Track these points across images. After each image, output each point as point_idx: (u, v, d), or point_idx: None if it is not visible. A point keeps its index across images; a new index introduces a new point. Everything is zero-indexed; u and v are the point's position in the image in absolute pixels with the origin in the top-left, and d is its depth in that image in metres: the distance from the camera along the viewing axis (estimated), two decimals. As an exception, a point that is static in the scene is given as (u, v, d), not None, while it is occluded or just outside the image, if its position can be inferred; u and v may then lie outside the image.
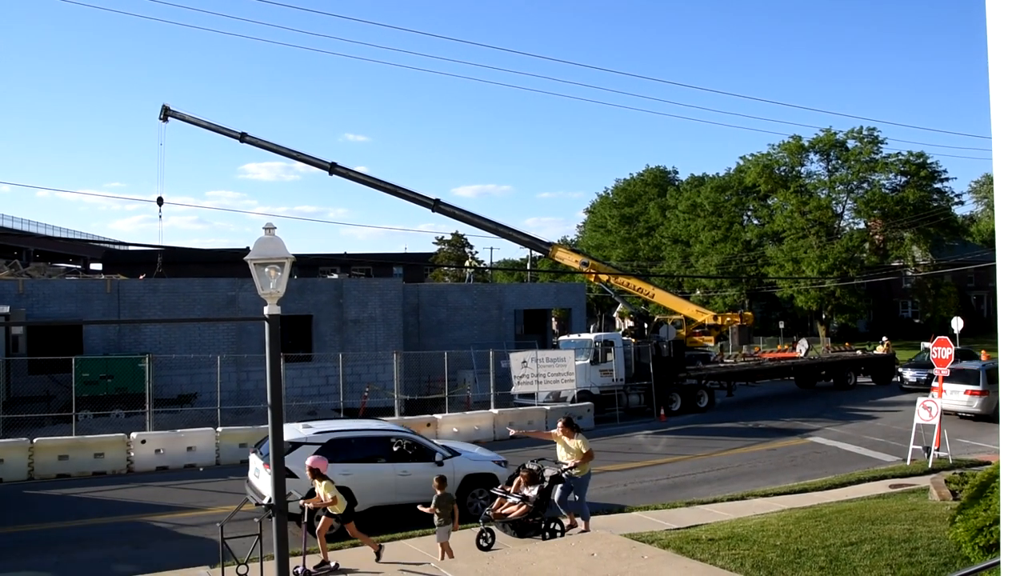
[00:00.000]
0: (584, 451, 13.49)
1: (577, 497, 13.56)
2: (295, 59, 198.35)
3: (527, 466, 13.56)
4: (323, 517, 11.79)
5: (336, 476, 13.02)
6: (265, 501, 14.43)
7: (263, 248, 8.34)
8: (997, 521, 7.63)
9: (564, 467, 13.36)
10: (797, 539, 11.06)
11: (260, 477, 14.27)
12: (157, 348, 28.20)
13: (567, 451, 13.70)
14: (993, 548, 7.51)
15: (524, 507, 12.77)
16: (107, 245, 67.50)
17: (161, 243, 36.56)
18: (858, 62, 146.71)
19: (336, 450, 14.52)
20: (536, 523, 12.87)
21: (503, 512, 12.96)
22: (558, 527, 12.94)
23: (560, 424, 14.08)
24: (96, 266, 67.13)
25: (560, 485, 13.29)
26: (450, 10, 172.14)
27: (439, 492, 12.10)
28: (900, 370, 37.48)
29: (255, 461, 14.97)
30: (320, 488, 11.76)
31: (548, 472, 13.24)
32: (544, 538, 12.69)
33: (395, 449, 15.48)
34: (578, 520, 13.50)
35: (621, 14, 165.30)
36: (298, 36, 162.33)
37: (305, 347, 31.45)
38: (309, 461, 12.09)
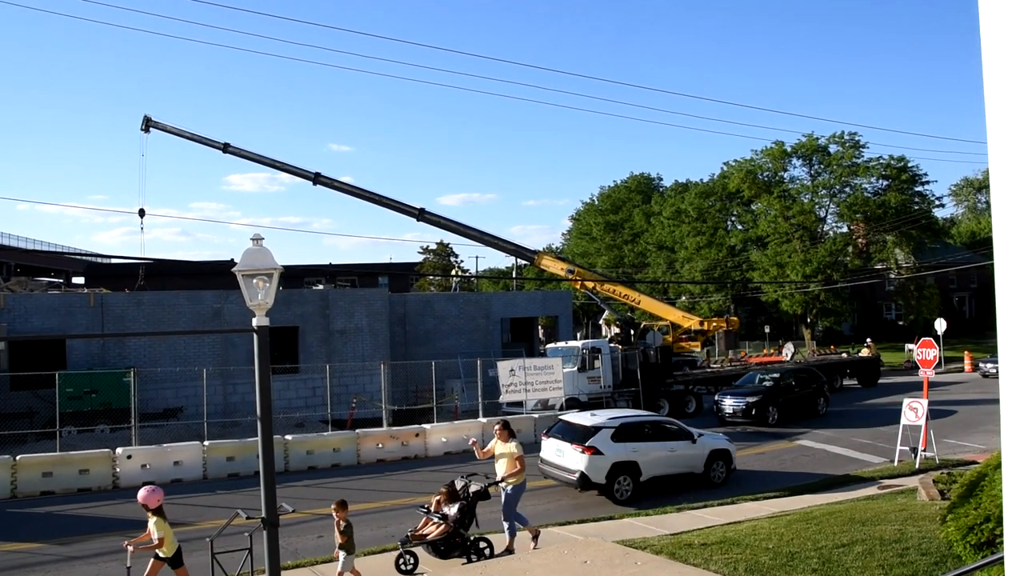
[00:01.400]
0: (516, 456, 12.95)
1: (507, 509, 12.99)
2: (279, 69, 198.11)
3: (455, 482, 12.82)
4: (152, 560, 10.44)
5: (626, 453, 17.56)
6: (575, 477, 17.30)
7: (251, 259, 8.30)
8: (988, 519, 7.69)
9: (490, 481, 12.74)
10: (789, 542, 11.07)
11: (565, 455, 17.82)
12: (142, 362, 28.00)
13: (503, 458, 13.18)
14: (984, 546, 7.54)
15: (444, 526, 11.99)
16: (90, 258, 67.00)
17: (144, 256, 36.31)
18: (839, 67, 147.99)
19: (625, 433, 18.04)
20: (460, 542, 12.14)
21: (422, 533, 12.22)
22: (485, 545, 12.38)
23: (497, 428, 13.45)
24: (79, 280, 66.63)
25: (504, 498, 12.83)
26: (433, 19, 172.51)
27: (343, 522, 11.00)
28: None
29: (553, 443, 18.43)
30: (151, 524, 10.41)
31: (474, 487, 12.49)
32: (469, 559, 11.99)
33: (665, 430, 19.03)
34: (528, 531, 13.03)
35: (604, 22, 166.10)
36: (282, 46, 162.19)
37: (291, 359, 31.31)
38: (141, 495, 10.70)
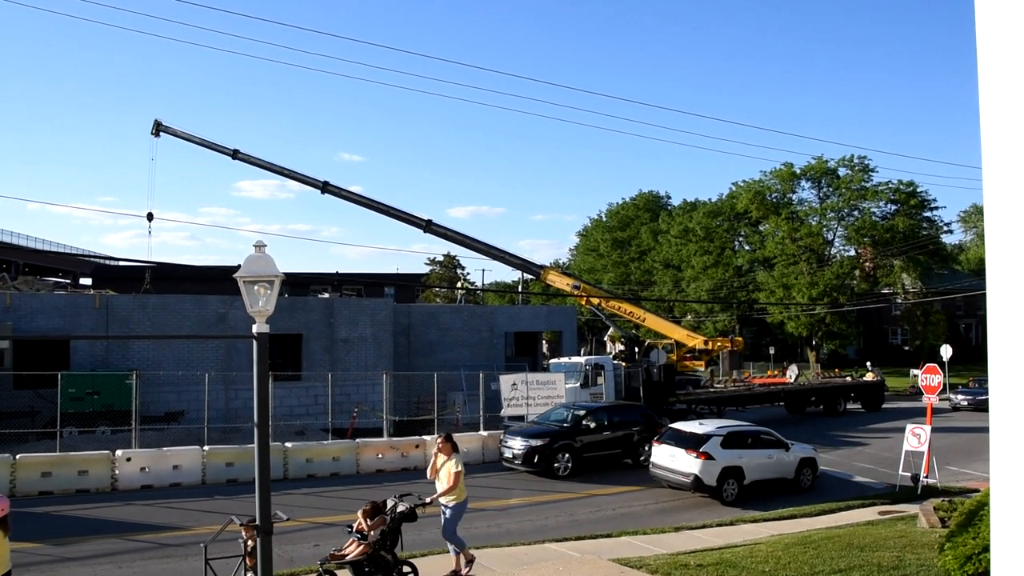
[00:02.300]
0: (452, 473, 12.17)
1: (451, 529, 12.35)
2: (290, 77, 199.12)
3: (387, 500, 11.88)
4: None
5: (733, 459, 19.35)
6: (689, 480, 18.93)
7: (253, 266, 8.30)
8: (986, 549, 7.61)
9: (419, 502, 11.84)
10: (786, 565, 11.01)
11: (677, 459, 19.34)
12: (145, 365, 28.00)
13: (442, 473, 12.41)
14: (982, 576, 7.48)
15: (362, 547, 11.12)
16: (97, 260, 67.15)
17: (151, 259, 36.44)
18: (850, 90, 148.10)
19: (732, 440, 19.73)
20: (382, 565, 11.27)
21: (341, 554, 11.40)
22: (409, 570, 11.62)
23: (439, 441, 12.75)
24: (86, 281, 66.80)
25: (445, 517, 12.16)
26: (447, 32, 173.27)
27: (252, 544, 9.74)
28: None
29: (666, 449, 19.94)
30: None
31: (401, 507, 11.62)
32: None
33: (763, 439, 20.69)
34: (462, 556, 12.33)
35: (616, 39, 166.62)
36: (294, 54, 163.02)
37: (295, 366, 31.29)
38: None
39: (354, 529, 11.48)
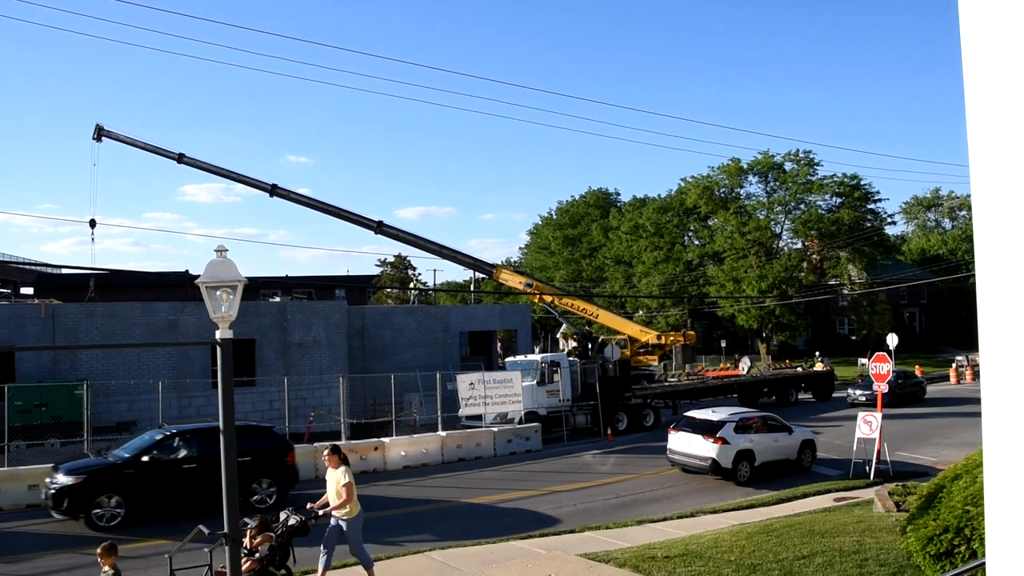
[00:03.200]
0: (342, 485, 11.61)
1: (350, 545, 11.84)
2: (235, 79, 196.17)
3: (280, 514, 11.34)
4: None
5: (746, 442, 21.03)
6: (707, 464, 20.64)
7: (215, 271, 8.18)
8: (946, 530, 7.84)
9: (309, 515, 11.33)
10: (751, 554, 11.17)
11: (694, 445, 21.12)
12: (94, 374, 27.43)
13: (331, 486, 11.88)
14: (943, 556, 7.69)
15: (249, 563, 10.54)
16: (39, 268, 65.56)
17: (96, 267, 35.61)
18: (794, 86, 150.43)
19: (743, 426, 21.50)
20: None
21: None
22: None
23: (325, 453, 12.17)
24: (27, 290, 65.13)
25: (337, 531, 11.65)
26: (391, 32, 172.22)
27: (110, 569, 9.44)
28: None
29: (683, 435, 21.56)
30: None
31: (292, 520, 11.06)
32: None
33: (770, 424, 22.29)
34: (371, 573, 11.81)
35: (562, 36, 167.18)
36: (238, 55, 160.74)
37: (248, 372, 30.90)
38: None
39: (246, 544, 10.81)
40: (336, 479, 11.72)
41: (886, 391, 23.23)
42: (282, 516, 11.17)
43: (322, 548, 11.78)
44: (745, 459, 21.10)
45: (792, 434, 22.58)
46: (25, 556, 14.83)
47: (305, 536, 11.18)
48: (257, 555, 10.63)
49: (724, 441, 20.82)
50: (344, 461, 11.96)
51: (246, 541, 10.80)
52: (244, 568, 10.32)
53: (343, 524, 11.71)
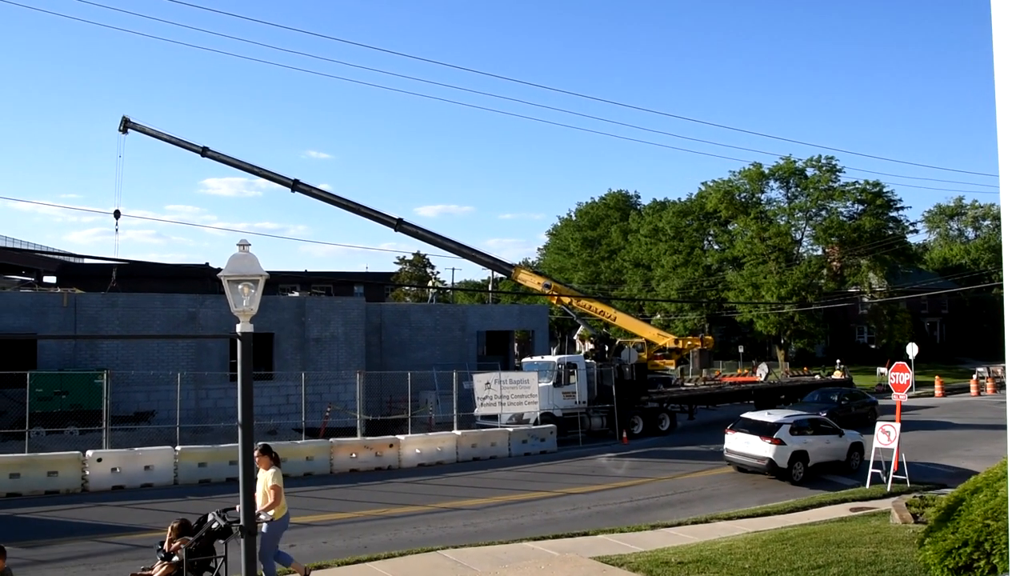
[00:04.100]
0: (271, 487, 11.27)
1: (269, 548, 11.27)
2: (259, 74, 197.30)
3: (210, 515, 10.77)
4: None
5: (801, 444, 21.85)
6: (764, 464, 21.53)
7: (237, 265, 8.23)
8: (965, 544, 7.76)
9: (231, 518, 10.55)
10: (765, 562, 11.11)
11: (751, 445, 21.93)
12: (114, 364, 27.65)
13: (261, 487, 11.41)
14: (962, 570, 7.62)
15: (165, 567, 10.17)
16: (62, 257, 66.14)
17: (118, 257, 35.88)
18: (818, 92, 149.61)
19: (798, 428, 22.30)
20: None
21: (145, 575, 10.58)
22: None
23: (256, 453, 11.34)
24: (50, 279, 65.73)
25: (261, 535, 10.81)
26: (416, 31, 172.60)
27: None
28: None
29: (740, 436, 22.43)
30: None
31: (216, 523, 10.55)
32: None
33: (822, 427, 23.22)
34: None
35: (584, 38, 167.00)
36: (262, 51, 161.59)
37: (266, 365, 31.07)
38: None
39: (165, 547, 10.50)
40: (265, 480, 11.35)
41: (905, 401, 23.13)
42: (209, 518, 10.69)
43: (258, 559, 10.85)
44: (800, 460, 21.93)
45: (842, 436, 23.45)
46: (44, 542, 14.97)
47: (227, 538, 10.49)
48: (174, 559, 10.18)
49: (780, 442, 21.66)
50: (276, 462, 11.62)
51: (165, 544, 10.54)
52: (160, 573, 10.19)
53: (265, 526, 11.18)
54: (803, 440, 22.25)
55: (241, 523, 8.33)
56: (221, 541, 10.38)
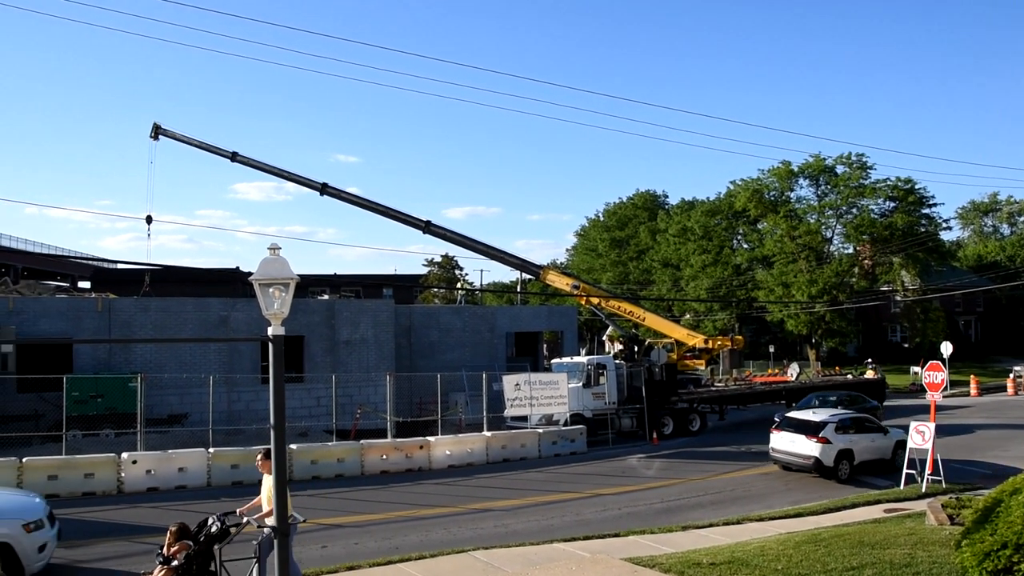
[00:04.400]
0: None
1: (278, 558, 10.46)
2: (288, 79, 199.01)
3: (210, 519, 10.74)
4: None
5: (846, 442, 22.12)
6: (810, 462, 21.67)
7: (268, 268, 8.29)
8: (1005, 546, 7.65)
9: (233, 521, 10.69)
10: (798, 563, 11.02)
11: (797, 444, 22.17)
12: (148, 367, 27.99)
13: (265, 492, 11.21)
14: (1001, 573, 7.51)
15: (165, 572, 10.08)
16: (96, 263, 67.10)
17: (150, 262, 36.34)
18: (847, 88, 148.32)
19: (843, 426, 22.47)
20: None
21: None
22: None
23: (259, 458, 11.56)
24: (84, 284, 66.73)
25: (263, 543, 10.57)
26: (443, 32, 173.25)
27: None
28: None
29: (785, 435, 22.66)
30: None
31: (216, 526, 10.50)
32: None
33: (866, 426, 23.41)
34: None
35: (612, 39, 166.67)
36: (290, 56, 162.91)
37: (296, 368, 31.29)
38: None
39: (162, 551, 10.38)
40: (268, 485, 10.89)
41: (940, 400, 22.86)
42: (209, 521, 10.63)
43: (254, 559, 10.81)
44: (845, 458, 22.16)
45: (887, 435, 23.68)
46: (82, 542, 15.18)
47: (226, 542, 10.47)
48: (174, 563, 10.06)
49: (826, 441, 21.92)
50: None
51: (164, 548, 10.42)
52: None
53: (267, 531, 10.72)
54: (848, 439, 22.41)
55: (275, 525, 8.39)
56: (219, 545, 10.27)
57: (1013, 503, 8.16)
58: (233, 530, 10.59)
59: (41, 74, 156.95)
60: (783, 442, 22.84)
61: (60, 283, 62.02)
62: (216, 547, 10.24)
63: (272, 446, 8.34)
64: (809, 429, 22.32)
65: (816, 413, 23.97)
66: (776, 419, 24.47)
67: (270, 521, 10.50)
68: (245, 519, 10.90)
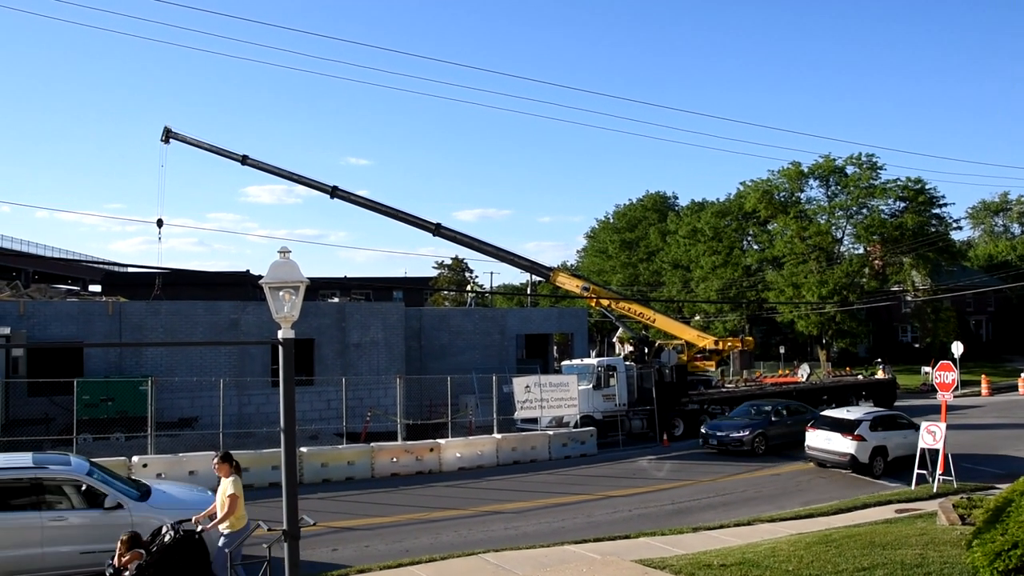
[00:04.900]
0: (227, 496, 10.80)
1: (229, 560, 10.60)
2: (297, 82, 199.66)
3: (164, 528, 10.49)
4: None
5: (880, 439, 22.67)
6: (846, 459, 22.37)
7: (278, 272, 8.34)
8: (1016, 546, 7.62)
9: (188, 528, 10.48)
10: (809, 564, 10.99)
11: (833, 441, 22.77)
12: (158, 371, 28.11)
13: (218, 496, 11.15)
14: (1012, 572, 7.48)
15: None
16: (106, 266, 67.45)
17: (161, 265, 36.48)
18: (856, 89, 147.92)
19: (876, 424, 23.07)
20: None
21: None
22: None
23: (215, 461, 11.36)
24: (95, 287, 67.03)
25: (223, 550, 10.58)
26: (452, 36, 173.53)
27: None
28: None
29: (821, 433, 23.31)
30: None
31: (171, 535, 10.27)
32: None
33: (898, 422, 23.88)
34: None
35: (622, 40, 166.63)
36: (300, 59, 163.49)
37: (307, 371, 31.38)
38: None
39: (112, 562, 10.08)
40: (223, 488, 10.98)
41: (951, 400, 22.81)
42: (163, 530, 10.36)
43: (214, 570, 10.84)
44: (880, 454, 22.68)
45: (918, 431, 23.78)
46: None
47: (183, 552, 10.20)
48: (125, 574, 9.77)
49: (861, 438, 22.50)
50: (236, 470, 11.18)
51: (115, 559, 10.12)
52: None
53: (222, 537, 10.90)
54: (883, 436, 22.93)
55: (284, 527, 8.41)
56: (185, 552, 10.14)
57: (1023, 503, 8.14)
58: (221, 533, 10.50)
59: (51, 77, 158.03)
60: (819, 440, 23.39)
61: (71, 287, 62.23)
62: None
63: (282, 449, 8.37)
64: (844, 427, 22.93)
65: (850, 411, 24.63)
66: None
67: (223, 528, 10.66)
68: (199, 527, 10.71)
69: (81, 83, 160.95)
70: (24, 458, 12.97)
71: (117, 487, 12.73)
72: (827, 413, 25.06)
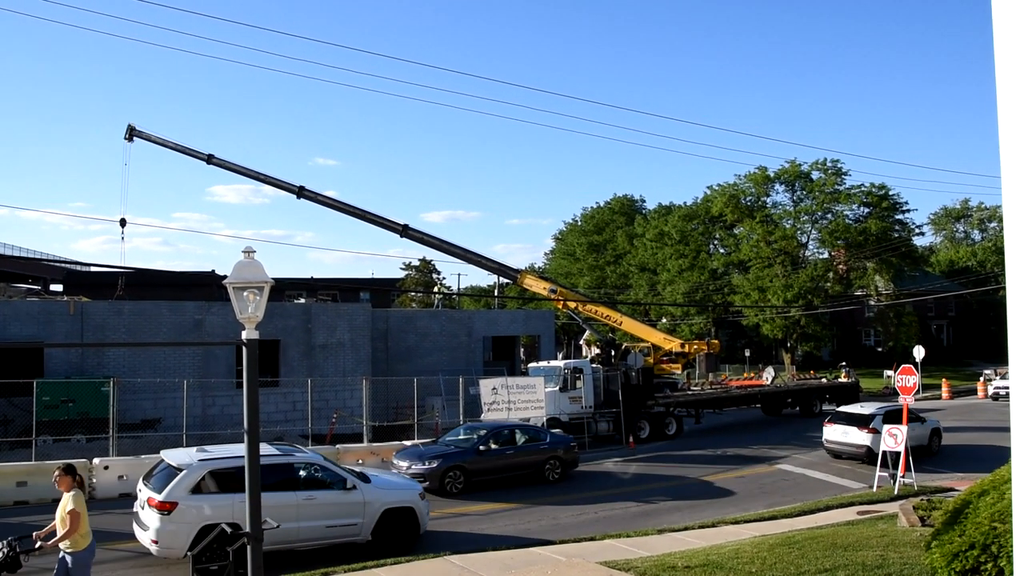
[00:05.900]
0: (67, 512, 9.77)
1: None
2: (264, 81, 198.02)
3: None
4: None
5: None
6: (862, 451, 23.96)
7: (243, 272, 8.24)
8: (972, 547, 7.74)
9: (23, 547, 9.65)
10: (772, 566, 11.09)
11: (849, 435, 24.86)
12: (121, 371, 27.72)
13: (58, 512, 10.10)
14: (969, 573, 7.61)
15: None
16: (69, 266, 66.36)
17: (124, 265, 36.00)
18: (822, 95, 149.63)
19: (888, 417, 23.78)
20: None
21: None
22: None
23: (56, 473, 10.23)
24: (57, 287, 65.92)
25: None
26: (420, 36, 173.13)
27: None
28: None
29: (838, 427, 25.36)
30: None
31: (3, 552, 9.47)
32: None
33: (909, 416, 23.66)
34: None
35: (590, 41, 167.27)
36: (267, 58, 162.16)
37: (272, 372, 31.13)
38: None
39: None
40: (63, 504, 9.94)
41: (912, 404, 23.12)
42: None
43: None
44: None
45: (925, 423, 26.28)
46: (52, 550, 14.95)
47: (15, 571, 9.53)
48: None
49: (875, 431, 23.59)
50: (78, 484, 10.19)
51: None
52: None
53: (68, 559, 9.99)
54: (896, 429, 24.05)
55: (247, 529, 8.32)
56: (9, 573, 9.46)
57: (981, 504, 8.26)
58: (23, 557, 9.70)
59: (11, 72, 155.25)
60: (835, 433, 25.28)
61: (31, 286, 61.17)
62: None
63: (246, 451, 8.27)
64: (859, 421, 24.83)
65: (864, 407, 26.56)
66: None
67: (64, 547, 9.97)
68: (38, 544, 9.95)
69: (44, 79, 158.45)
70: (268, 448, 14.92)
71: (348, 472, 15.29)
72: (842, 409, 26.95)
